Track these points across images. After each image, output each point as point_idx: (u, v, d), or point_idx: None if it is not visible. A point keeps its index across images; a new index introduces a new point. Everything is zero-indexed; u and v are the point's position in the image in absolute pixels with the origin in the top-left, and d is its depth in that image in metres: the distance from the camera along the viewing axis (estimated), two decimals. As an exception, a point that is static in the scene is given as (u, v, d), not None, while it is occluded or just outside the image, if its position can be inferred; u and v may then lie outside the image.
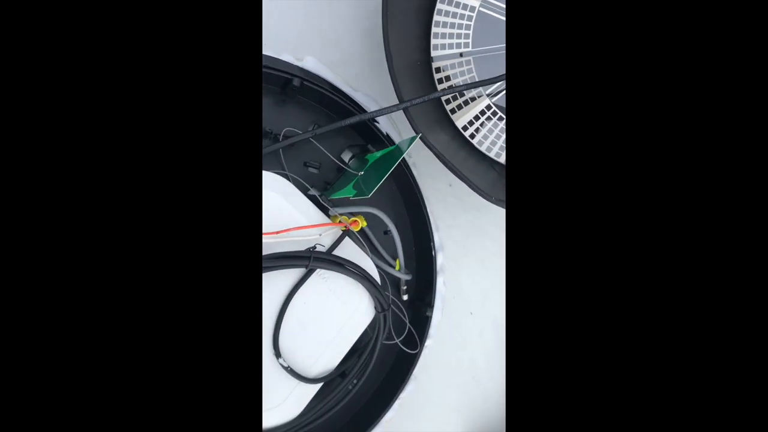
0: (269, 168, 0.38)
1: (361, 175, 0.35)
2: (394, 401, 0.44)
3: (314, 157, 0.41)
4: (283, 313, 0.34)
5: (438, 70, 0.47)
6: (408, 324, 0.43)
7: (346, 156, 0.43)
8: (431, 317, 0.43)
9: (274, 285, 0.35)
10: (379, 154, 0.37)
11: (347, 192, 0.34)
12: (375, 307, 0.39)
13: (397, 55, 0.39)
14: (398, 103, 0.37)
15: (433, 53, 0.47)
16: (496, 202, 0.37)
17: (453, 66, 0.46)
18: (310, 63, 0.42)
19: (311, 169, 0.41)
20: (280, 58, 0.40)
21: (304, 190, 0.38)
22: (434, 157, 0.38)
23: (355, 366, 0.39)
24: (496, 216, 0.54)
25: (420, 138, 0.35)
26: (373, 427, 0.43)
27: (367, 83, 0.46)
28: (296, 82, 0.36)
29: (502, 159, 0.46)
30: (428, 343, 0.46)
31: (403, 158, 0.41)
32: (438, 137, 0.41)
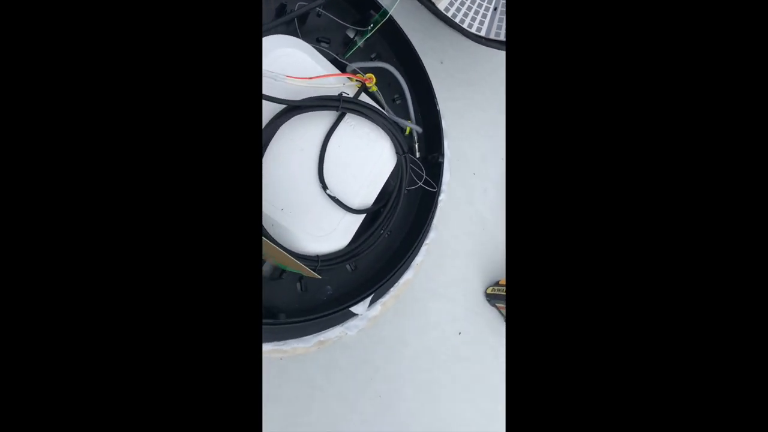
0: (289, 39, 0.44)
1: (371, 27, 0.41)
2: (421, 246, 0.51)
3: (324, 34, 0.46)
4: (324, 151, 0.40)
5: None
6: (424, 174, 0.50)
7: (351, 33, 0.48)
8: (443, 164, 0.50)
9: (313, 127, 0.40)
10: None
11: (365, 35, 0.40)
12: (396, 151, 0.45)
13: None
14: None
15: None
16: (487, 43, 0.43)
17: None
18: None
19: (323, 44, 0.47)
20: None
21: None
22: (423, 36, 0.44)
23: (387, 203, 0.45)
24: (486, 89, 0.60)
25: None
26: (407, 269, 0.50)
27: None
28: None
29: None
30: (442, 197, 0.53)
31: (402, 30, 0.47)
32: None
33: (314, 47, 0.43)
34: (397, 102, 0.51)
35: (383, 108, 0.47)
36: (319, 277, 0.31)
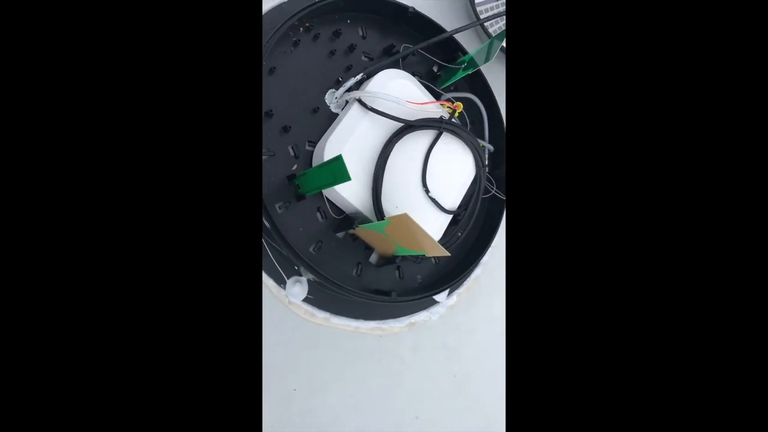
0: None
1: (465, 66, 0.51)
2: (488, 247, 0.59)
3: (417, 69, 0.57)
4: (427, 163, 0.50)
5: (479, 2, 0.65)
6: (494, 190, 0.59)
7: (435, 68, 0.59)
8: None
9: (418, 143, 0.50)
10: (474, 51, 0.53)
11: (461, 74, 0.50)
12: (476, 164, 0.54)
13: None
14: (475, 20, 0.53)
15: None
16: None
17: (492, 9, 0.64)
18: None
19: (416, 77, 0.57)
20: None
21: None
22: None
23: (466, 210, 0.55)
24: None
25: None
26: (476, 266, 0.58)
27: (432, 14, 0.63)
28: (411, 9, 0.52)
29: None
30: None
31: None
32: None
33: (417, 79, 0.53)
34: (472, 125, 0.61)
35: (466, 126, 0.57)
36: (449, 254, 0.39)
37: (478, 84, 0.60)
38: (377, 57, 0.54)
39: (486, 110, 0.59)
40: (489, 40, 0.51)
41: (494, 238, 0.60)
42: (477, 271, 0.60)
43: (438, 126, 0.50)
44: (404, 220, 0.38)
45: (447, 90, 0.55)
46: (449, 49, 0.58)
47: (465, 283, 0.58)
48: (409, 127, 0.48)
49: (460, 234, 0.55)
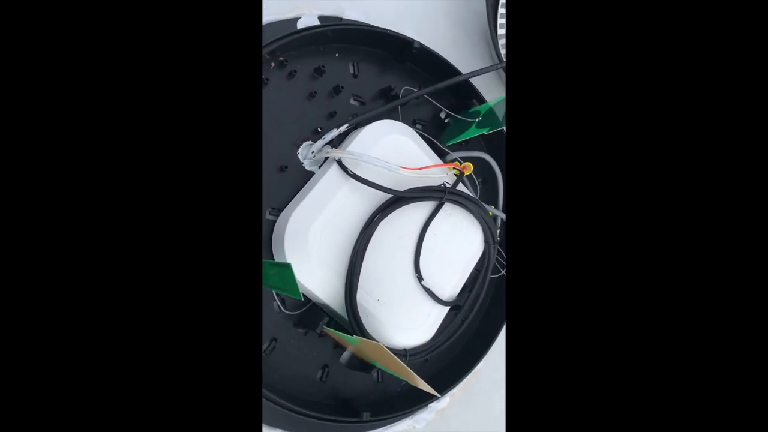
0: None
1: (480, 120, 0.40)
2: (497, 337, 0.48)
3: (419, 115, 0.46)
4: (422, 242, 0.39)
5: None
6: (505, 263, 0.48)
7: (442, 115, 0.48)
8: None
9: (412, 217, 0.39)
10: (491, 103, 0.42)
11: (470, 133, 0.39)
12: (486, 240, 0.44)
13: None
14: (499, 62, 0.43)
15: (500, 31, 0.54)
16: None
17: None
18: (410, 33, 0.48)
19: (418, 126, 0.46)
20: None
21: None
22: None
23: (468, 298, 0.44)
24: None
25: None
26: (478, 362, 0.48)
27: (447, 53, 0.52)
28: (417, 44, 0.42)
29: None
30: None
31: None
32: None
33: (416, 132, 0.42)
34: (480, 186, 0.50)
35: (475, 191, 0.47)
36: (438, 395, 0.29)
37: (492, 136, 0.50)
38: (370, 101, 0.44)
39: (501, 169, 0.49)
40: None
41: (503, 326, 0.49)
42: (478, 365, 0.49)
43: (439, 197, 0.39)
44: (377, 349, 0.27)
45: (455, 146, 0.44)
46: (462, 94, 0.47)
47: (461, 381, 0.47)
48: (399, 199, 0.37)
49: (463, 320, 0.45)
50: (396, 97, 0.43)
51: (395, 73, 0.45)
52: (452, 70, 0.44)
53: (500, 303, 0.49)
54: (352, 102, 0.43)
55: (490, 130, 0.38)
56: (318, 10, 0.44)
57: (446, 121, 0.48)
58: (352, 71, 0.43)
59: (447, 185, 0.40)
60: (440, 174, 0.41)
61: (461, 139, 0.41)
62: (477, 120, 0.41)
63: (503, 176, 0.46)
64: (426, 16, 0.51)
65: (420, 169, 0.38)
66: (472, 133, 0.40)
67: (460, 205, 0.41)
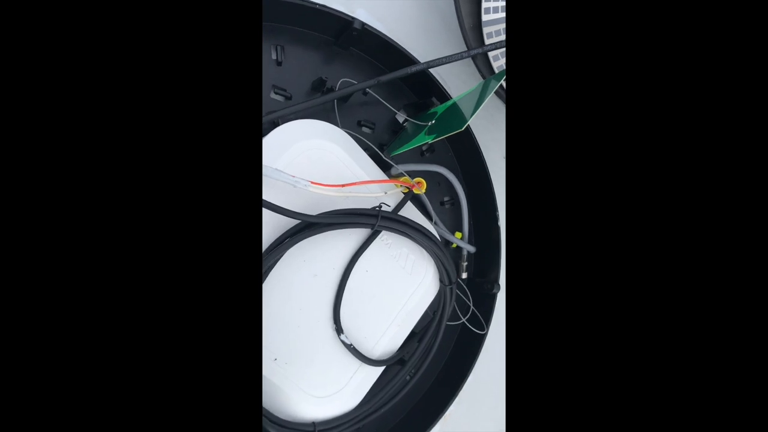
0: (323, 122, 0.34)
1: (432, 123, 0.31)
2: (456, 394, 0.39)
3: (368, 115, 0.37)
4: (345, 282, 0.30)
5: (489, 35, 0.44)
6: (471, 305, 0.39)
7: (400, 118, 0.39)
8: (497, 295, 0.39)
9: (335, 249, 0.30)
10: (451, 101, 0.32)
11: (420, 140, 0.30)
12: (441, 280, 0.34)
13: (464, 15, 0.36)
14: (467, 50, 0.33)
15: (485, 17, 0.44)
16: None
17: (500, 32, 0.44)
18: (362, 15, 0.38)
19: (365, 129, 0.37)
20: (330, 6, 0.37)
21: (362, 148, 0.34)
22: (486, 127, 0.34)
23: (416, 351, 0.34)
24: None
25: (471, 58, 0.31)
26: (433, 426, 0.38)
27: (418, 43, 0.43)
28: (357, 24, 0.32)
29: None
30: (490, 327, 0.42)
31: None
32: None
33: (354, 136, 0.33)
34: (447, 206, 0.40)
35: (429, 216, 0.37)
36: None
37: (462, 145, 0.40)
38: (300, 95, 0.35)
39: (465, 188, 0.39)
40: (480, 83, 0.31)
41: (465, 381, 0.39)
42: (435, 429, 0.39)
43: (369, 223, 0.30)
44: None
45: (418, 156, 0.35)
46: (424, 89, 0.38)
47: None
48: (309, 226, 0.28)
49: (409, 378, 0.35)
50: (331, 90, 0.34)
51: (338, 62, 0.36)
52: (406, 59, 0.35)
53: (467, 351, 0.40)
54: (273, 96, 0.34)
55: (436, 138, 0.28)
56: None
57: (404, 124, 0.38)
58: (274, 57, 0.34)
59: (383, 208, 0.31)
60: (378, 193, 0.31)
61: (406, 148, 0.31)
62: (429, 124, 0.31)
63: (467, 196, 0.36)
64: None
65: (343, 186, 0.29)
66: (419, 140, 0.30)
67: (401, 234, 0.31)
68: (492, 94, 0.29)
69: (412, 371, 0.35)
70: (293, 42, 0.35)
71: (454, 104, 0.31)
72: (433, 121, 0.31)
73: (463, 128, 0.24)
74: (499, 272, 0.39)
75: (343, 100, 0.35)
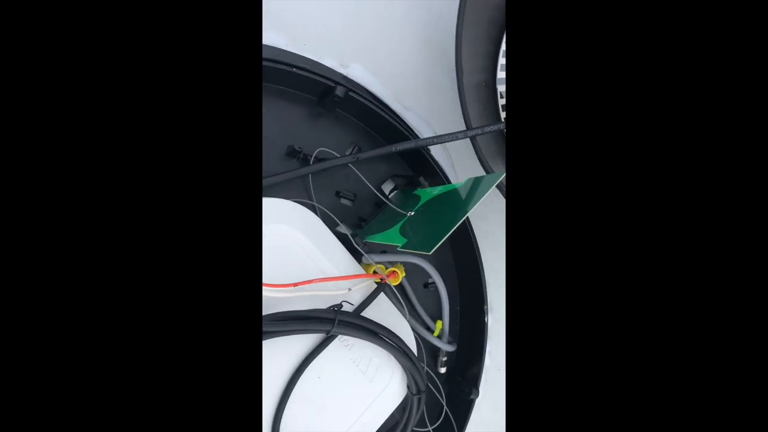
0: (293, 196, 0.30)
1: (411, 215, 0.27)
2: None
3: (349, 185, 0.33)
4: (290, 392, 0.26)
5: (503, 94, 0.39)
6: (445, 407, 0.34)
7: (388, 187, 0.35)
8: (474, 401, 0.34)
9: (284, 352, 0.26)
10: (436, 190, 0.28)
11: (392, 238, 0.25)
12: (408, 387, 0.30)
13: (466, 72, 0.31)
14: (465, 129, 0.29)
15: (500, 74, 0.40)
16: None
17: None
18: (357, 71, 0.35)
19: (344, 201, 0.33)
20: (322, 62, 0.33)
21: (333, 225, 0.30)
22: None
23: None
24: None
25: (471, 140, 0.27)
26: None
27: (420, 102, 0.39)
28: (340, 91, 0.29)
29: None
30: (469, 428, 0.37)
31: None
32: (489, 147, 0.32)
33: (325, 214, 0.29)
34: (432, 288, 0.36)
35: (410, 303, 0.33)
36: None
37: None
38: (271, 160, 0.31)
39: (456, 272, 0.35)
40: (469, 179, 0.27)
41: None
42: None
43: (325, 330, 0.26)
44: None
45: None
46: (416, 162, 0.34)
47: None
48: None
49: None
50: (306, 162, 0.30)
51: (323, 121, 0.32)
52: (395, 129, 0.31)
53: None
54: (240, 161, 0.30)
55: (405, 247, 0.24)
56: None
57: (390, 195, 0.34)
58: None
59: (347, 305, 0.27)
60: (342, 289, 0.27)
61: (378, 240, 0.27)
62: (408, 215, 0.27)
63: (444, 285, 0.32)
64: (396, 55, 0.37)
65: (294, 285, 0.25)
66: (391, 238, 0.26)
67: (364, 339, 0.27)
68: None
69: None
70: (273, 96, 0.31)
71: (442, 195, 0.27)
72: (412, 213, 0.27)
73: (430, 252, 0.20)
74: (480, 373, 0.35)
75: (323, 169, 0.32)
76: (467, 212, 0.22)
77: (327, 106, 0.32)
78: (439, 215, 0.24)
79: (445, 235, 0.21)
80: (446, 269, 0.37)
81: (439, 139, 0.28)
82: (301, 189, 0.31)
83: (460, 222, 0.22)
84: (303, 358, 0.26)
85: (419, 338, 0.33)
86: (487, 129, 0.29)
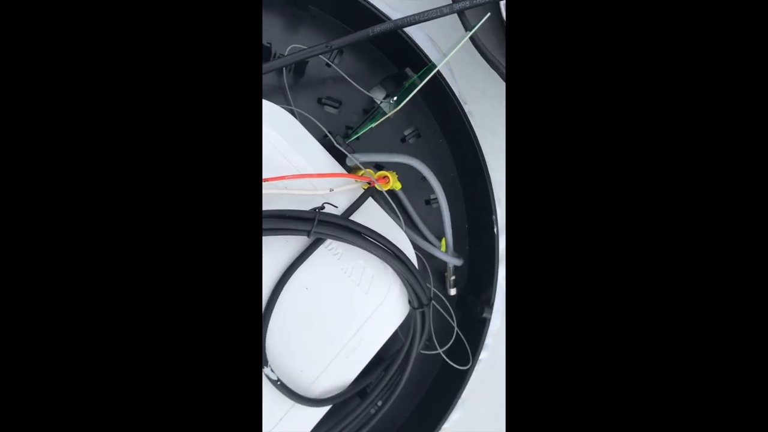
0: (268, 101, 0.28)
1: (393, 101, 0.24)
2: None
3: (332, 92, 0.30)
4: (274, 302, 0.24)
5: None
6: (456, 329, 0.31)
7: (379, 94, 0.32)
8: (489, 320, 0.31)
9: (266, 259, 0.24)
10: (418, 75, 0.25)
11: (377, 119, 0.23)
12: (409, 301, 0.27)
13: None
14: (451, 3, 0.25)
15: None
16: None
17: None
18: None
19: (328, 108, 0.30)
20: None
21: (318, 134, 0.27)
22: (492, 107, 0.26)
23: (380, 382, 0.28)
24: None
25: (471, 39, 0.23)
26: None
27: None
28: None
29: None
30: (483, 356, 0.34)
31: (459, 107, 0.30)
32: (491, 41, 0.28)
33: (306, 117, 0.26)
34: (435, 204, 0.33)
35: (407, 213, 0.30)
36: None
37: (449, 124, 0.32)
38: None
39: (461, 185, 0.31)
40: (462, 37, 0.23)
41: (445, 420, 0.32)
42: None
43: (305, 230, 0.23)
44: None
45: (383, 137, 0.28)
46: (400, 56, 0.30)
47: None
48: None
49: (374, 411, 0.29)
50: (281, 56, 0.27)
51: (304, 26, 0.29)
52: (375, 17, 0.27)
53: (442, 392, 0.32)
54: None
55: (379, 119, 0.21)
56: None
57: (382, 102, 0.31)
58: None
59: (331, 208, 0.24)
60: (323, 189, 0.25)
61: (363, 130, 0.24)
62: (391, 101, 0.24)
63: (445, 196, 0.29)
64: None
65: (266, 180, 0.22)
66: (377, 118, 0.23)
67: (351, 243, 0.25)
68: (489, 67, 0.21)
69: (378, 404, 0.29)
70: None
71: (409, 86, 0.24)
72: (394, 99, 0.23)
73: (390, 113, 0.17)
74: (494, 292, 0.32)
75: (299, 73, 0.29)
76: (430, 74, 0.19)
77: (300, 4, 0.29)
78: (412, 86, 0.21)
79: (408, 95, 0.18)
80: (451, 186, 0.34)
81: (422, 16, 0.25)
82: (279, 96, 0.28)
83: (424, 81, 0.19)
84: (286, 266, 0.24)
85: (424, 255, 0.30)
86: (477, 1, 0.25)
